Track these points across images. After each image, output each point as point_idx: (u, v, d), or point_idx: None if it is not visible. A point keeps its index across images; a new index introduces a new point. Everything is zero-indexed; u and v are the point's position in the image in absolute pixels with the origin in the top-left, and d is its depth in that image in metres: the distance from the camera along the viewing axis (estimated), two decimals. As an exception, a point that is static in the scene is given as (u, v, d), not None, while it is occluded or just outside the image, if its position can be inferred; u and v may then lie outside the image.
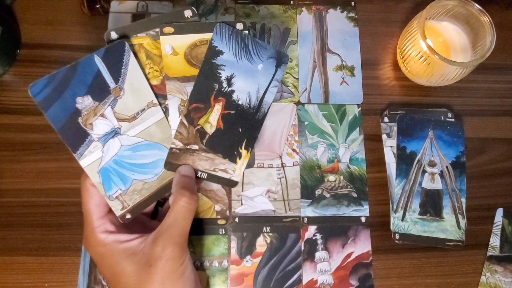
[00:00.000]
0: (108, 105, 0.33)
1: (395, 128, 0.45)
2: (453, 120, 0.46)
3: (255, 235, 0.42)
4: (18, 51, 0.46)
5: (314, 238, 0.42)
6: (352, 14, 0.50)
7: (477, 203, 0.45)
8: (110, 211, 0.35)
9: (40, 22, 0.47)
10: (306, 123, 0.46)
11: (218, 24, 0.34)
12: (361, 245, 0.43)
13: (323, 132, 0.46)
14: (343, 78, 0.47)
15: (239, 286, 0.41)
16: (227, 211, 0.43)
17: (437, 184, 0.43)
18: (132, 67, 0.33)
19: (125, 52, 0.33)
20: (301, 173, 0.44)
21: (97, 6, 0.47)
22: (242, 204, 0.43)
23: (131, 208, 0.35)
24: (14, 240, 0.41)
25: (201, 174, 0.36)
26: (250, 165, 0.44)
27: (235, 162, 0.37)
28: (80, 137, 0.32)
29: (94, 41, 0.46)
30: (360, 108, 0.47)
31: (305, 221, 0.43)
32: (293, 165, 0.44)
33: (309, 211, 0.43)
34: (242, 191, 0.43)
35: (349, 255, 0.42)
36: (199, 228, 0.42)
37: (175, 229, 0.32)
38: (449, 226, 0.42)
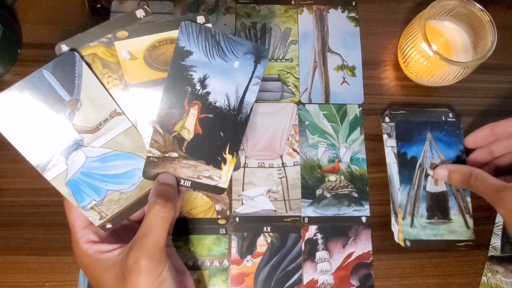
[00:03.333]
0: (66, 119, 0.32)
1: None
2: (453, 120, 0.46)
3: (255, 235, 0.42)
4: (19, 50, 0.46)
5: (314, 238, 0.42)
6: (353, 14, 0.50)
7: (478, 203, 0.44)
8: None
9: (41, 22, 0.47)
10: (306, 123, 0.46)
11: (183, 22, 0.32)
12: (362, 245, 0.43)
13: (323, 132, 0.45)
14: (344, 78, 0.47)
15: (240, 286, 0.41)
16: (228, 211, 0.43)
17: (441, 186, 0.43)
18: (86, 77, 0.32)
19: (76, 62, 0.32)
20: (301, 173, 0.44)
21: (98, 6, 0.47)
22: (242, 204, 0.43)
23: (111, 218, 0.34)
24: (15, 239, 0.41)
25: (184, 182, 0.35)
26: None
27: (220, 168, 0.35)
28: (40, 152, 0.32)
29: (95, 40, 0.46)
30: (361, 108, 0.47)
31: (305, 221, 0.43)
32: (294, 165, 0.44)
33: (309, 211, 0.43)
34: (243, 191, 0.43)
35: (349, 255, 0.42)
36: (199, 228, 0.42)
37: (148, 239, 0.30)
38: (458, 227, 0.42)
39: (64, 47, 0.32)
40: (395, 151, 0.43)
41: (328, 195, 0.44)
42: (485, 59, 0.42)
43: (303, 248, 0.42)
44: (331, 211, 0.43)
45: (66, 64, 0.32)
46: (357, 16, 0.50)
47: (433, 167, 0.42)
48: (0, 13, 0.44)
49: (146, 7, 0.32)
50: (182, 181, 0.35)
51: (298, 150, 0.45)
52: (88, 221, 0.34)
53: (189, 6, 0.48)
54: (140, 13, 0.32)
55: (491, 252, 0.43)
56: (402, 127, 0.44)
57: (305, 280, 0.41)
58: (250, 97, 0.35)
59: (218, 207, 0.43)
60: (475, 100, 0.48)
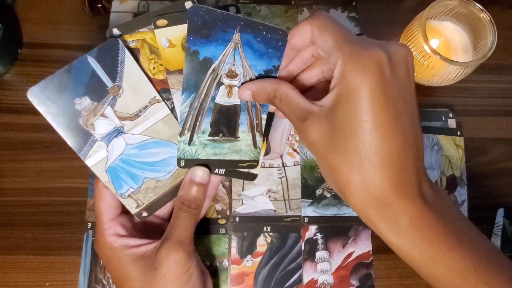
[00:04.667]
0: (108, 105, 0.33)
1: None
2: (454, 120, 0.46)
3: (255, 235, 0.42)
4: (20, 50, 0.46)
5: (314, 238, 0.42)
6: (353, 14, 0.50)
7: (478, 203, 0.45)
8: (121, 214, 0.35)
9: (41, 21, 0.47)
10: (307, 122, 0.45)
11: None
12: (362, 245, 0.43)
13: (324, 132, 0.45)
14: (344, 78, 0.47)
15: (240, 285, 0.41)
16: (228, 211, 0.43)
17: (235, 99, 0.34)
18: (129, 65, 0.33)
19: (119, 49, 0.32)
20: (301, 172, 0.44)
21: (99, 5, 0.47)
22: (242, 203, 0.43)
23: (147, 206, 0.35)
24: (15, 239, 0.41)
25: (218, 170, 0.35)
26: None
27: None
28: (82, 137, 0.32)
29: (95, 40, 0.46)
30: (361, 108, 0.46)
31: (305, 221, 0.43)
32: (294, 164, 0.44)
33: (309, 211, 0.43)
34: (243, 190, 0.43)
35: (349, 255, 0.42)
36: (199, 227, 0.42)
37: (178, 232, 0.32)
38: (243, 146, 0.36)
39: (116, 31, 0.33)
40: (191, 47, 0.32)
41: (328, 195, 0.44)
42: (485, 59, 0.42)
43: (303, 248, 0.42)
44: (331, 211, 0.43)
45: (110, 50, 0.32)
46: (357, 16, 0.50)
47: (231, 75, 0.34)
48: (0, 13, 0.44)
49: (195, 0, 0.33)
50: (216, 169, 0.35)
51: (298, 150, 0.45)
52: (116, 214, 0.34)
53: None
54: (188, 4, 0.33)
55: (491, 252, 0.43)
56: (200, 15, 0.31)
57: (305, 280, 0.41)
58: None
59: (218, 206, 0.43)
60: (475, 100, 0.48)
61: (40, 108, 0.31)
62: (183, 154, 0.34)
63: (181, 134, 0.34)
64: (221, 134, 0.35)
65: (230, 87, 0.34)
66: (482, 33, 0.44)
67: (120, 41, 0.32)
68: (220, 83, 0.34)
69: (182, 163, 0.35)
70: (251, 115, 0.35)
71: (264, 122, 0.35)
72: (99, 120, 0.33)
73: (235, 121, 0.35)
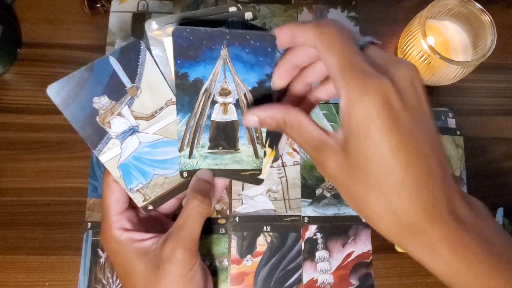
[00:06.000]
0: (125, 104, 0.33)
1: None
2: (453, 120, 0.46)
3: (255, 235, 0.42)
4: (19, 50, 0.46)
5: (314, 237, 0.42)
6: (352, 14, 0.50)
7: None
8: (128, 208, 0.35)
9: (40, 21, 0.47)
10: (306, 122, 0.46)
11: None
12: (362, 245, 0.43)
13: (323, 131, 0.45)
14: (343, 77, 0.47)
15: (240, 285, 0.41)
16: (228, 211, 0.43)
17: (231, 116, 0.34)
18: (148, 67, 0.33)
19: (141, 51, 0.33)
20: (301, 172, 0.44)
21: (98, 5, 0.47)
22: (242, 203, 0.43)
23: (153, 200, 0.36)
24: (14, 239, 0.41)
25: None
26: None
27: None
28: (98, 135, 0.33)
29: (95, 40, 0.46)
30: (360, 108, 0.46)
31: (305, 221, 0.43)
32: (294, 164, 0.44)
33: (309, 211, 0.43)
34: (243, 190, 0.43)
35: (349, 255, 0.42)
36: (199, 227, 0.42)
37: (185, 231, 0.32)
38: (245, 157, 0.36)
39: (154, 25, 0.32)
40: (180, 70, 0.32)
41: (328, 195, 0.44)
42: (484, 58, 0.42)
43: (302, 247, 0.42)
44: (331, 211, 0.43)
45: (132, 52, 0.32)
46: (357, 16, 0.50)
47: (224, 93, 0.33)
48: (-1, 13, 0.44)
49: (255, 10, 0.33)
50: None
51: (298, 150, 0.45)
52: (123, 208, 0.34)
53: (189, 5, 0.48)
54: (248, 15, 0.33)
55: (491, 252, 0.43)
56: (184, 37, 0.30)
57: (305, 279, 0.41)
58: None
59: (218, 206, 0.43)
60: (474, 100, 0.48)
61: (58, 104, 0.31)
62: (185, 166, 0.35)
63: (180, 149, 0.35)
64: (220, 147, 0.35)
65: (225, 104, 0.34)
66: (481, 32, 0.44)
67: (142, 43, 0.32)
68: (214, 102, 0.33)
69: (185, 174, 0.35)
70: (250, 129, 0.35)
71: (264, 135, 0.35)
72: (116, 119, 0.33)
73: (234, 135, 0.35)
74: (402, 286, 0.42)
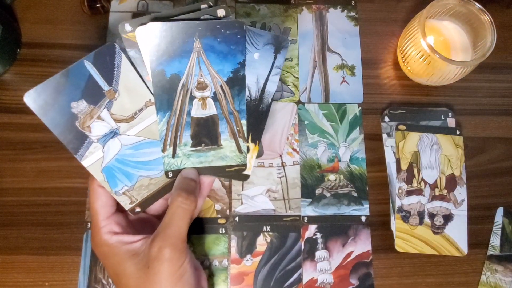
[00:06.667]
0: (104, 108, 0.33)
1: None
2: (453, 119, 0.46)
3: (255, 234, 0.42)
4: (19, 50, 0.46)
5: (314, 237, 0.43)
6: (352, 13, 0.50)
7: (478, 202, 0.45)
8: (116, 212, 0.35)
9: (40, 21, 0.47)
10: (306, 122, 0.46)
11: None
12: (361, 244, 0.43)
13: (323, 131, 0.45)
14: (343, 77, 0.47)
15: (240, 285, 0.41)
16: (227, 210, 0.43)
17: (210, 110, 0.35)
18: (125, 68, 0.33)
19: (116, 54, 0.33)
20: (301, 172, 0.44)
21: (98, 5, 0.47)
22: (242, 203, 0.43)
23: (140, 202, 0.36)
24: (14, 239, 0.41)
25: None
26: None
27: None
28: (79, 139, 0.33)
29: (94, 40, 0.46)
30: (360, 108, 0.47)
31: (305, 220, 0.43)
32: (294, 164, 0.44)
33: (309, 210, 0.43)
34: (242, 190, 0.43)
35: (349, 254, 0.42)
36: (199, 227, 0.42)
37: (171, 229, 0.32)
38: (228, 152, 0.36)
39: (128, 27, 0.33)
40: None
41: (328, 195, 0.44)
42: (484, 58, 0.42)
43: (302, 247, 0.42)
44: (330, 211, 0.43)
45: (107, 55, 0.32)
46: (357, 16, 0.50)
47: (201, 87, 0.34)
48: (-1, 13, 0.44)
49: (228, 8, 0.33)
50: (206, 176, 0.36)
51: (298, 150, 0.45)
52: (111, 212, 0.35)
53: (188, 5, 0.48)
54: (221, 12, 0.33)
55: (490, 251, 0.43)
56: (157, 34, 0.32)
57: (305, 279, 0.41)
58: (271, 87, 0.35)
59: (217, 206, 0.43)
60: (474, 99, 0.48)
61: (36, 111, 0.31)
62: (169, 166, 0.35)
63: (163, 149, 0.35)
64: (203, 144, 0.35)
65: (203, 99, 0.34)
66: (481, 32, 0.44)
67: (116, 45, 0.33)
68: (192, 97, 0.34)
69: (170, 175, 0.36)
70: (230, 123, 0.35)
71: (245, 128, 0.35)
72: (96, 123, 0.33)
73: (215, 130, 0.35)
74: (402, 286, 0.42)
